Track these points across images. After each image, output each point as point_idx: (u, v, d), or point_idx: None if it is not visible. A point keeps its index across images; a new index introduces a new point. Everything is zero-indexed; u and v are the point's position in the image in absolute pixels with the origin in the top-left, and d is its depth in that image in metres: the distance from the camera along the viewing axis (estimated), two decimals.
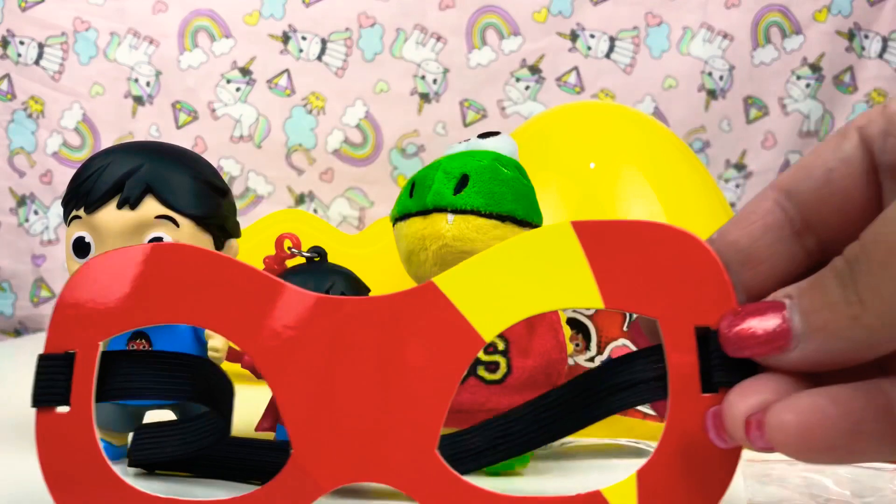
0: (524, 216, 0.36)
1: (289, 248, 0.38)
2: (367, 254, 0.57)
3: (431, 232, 0.36)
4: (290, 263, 0.38)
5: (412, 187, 0.37)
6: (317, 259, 0.38)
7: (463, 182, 0.35)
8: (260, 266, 0.39)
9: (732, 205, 0.91)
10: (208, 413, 0.30)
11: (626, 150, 0.51)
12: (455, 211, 0.35)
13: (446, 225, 0.35)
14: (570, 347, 0.40)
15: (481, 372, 0.36)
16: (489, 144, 0.38)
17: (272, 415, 0.39)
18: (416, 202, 0.36)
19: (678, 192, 0.49)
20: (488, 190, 0.35)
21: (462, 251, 0.35)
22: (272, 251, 0.38)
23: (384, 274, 0.57)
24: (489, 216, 0.35)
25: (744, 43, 0.91)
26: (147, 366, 0.27)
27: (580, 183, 0.48)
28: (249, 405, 0.41)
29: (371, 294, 0.39)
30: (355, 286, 0.37)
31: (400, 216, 0.37)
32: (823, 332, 0.19)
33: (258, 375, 0.37)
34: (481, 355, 0.36)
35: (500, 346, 0.36)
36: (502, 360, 0.36)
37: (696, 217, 0.49)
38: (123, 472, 0.38)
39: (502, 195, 0.36)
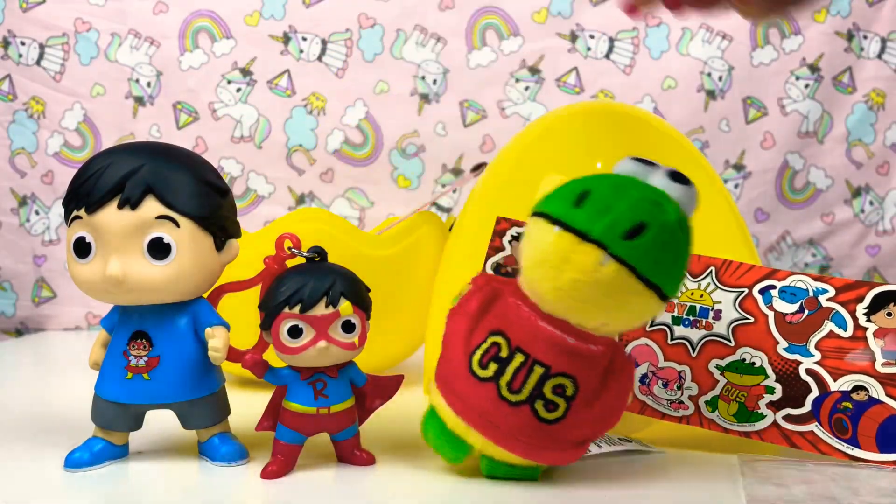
0: (667, 289, 0.34)
1: (289, 249, 0.38)
2: (386, 256, 0.57)
3: (579, 261, 0.32)
4: (290, 263, 0.39)
5: (582, 197, 0.33)
6: (317, 259, 0.38)
7: (638, 230, 0.32)
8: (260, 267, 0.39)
9: None
10: None
11: (631, 150, 0.50)
12: (615, 257, 0.32)
13: (598, 265, 0.32)
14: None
15: (538, 406, 0.34)
16: (676, 191, 0.34)
17: (272, 414, 0.39)
18: (582, 219, 0.33)
19: None
20: (657, 254, 0.32)
21: (590, 294, 0.33)
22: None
23: (398, 276, 0.57)
24: (639, 278, 0.32)
25: (743, 43, 0.91)
26: None
27: None
28: (249, 405, 0.41)
29: (371, 295, 0.39)
30: (355, 286, 0.38)
31: (555, 219, 0.33)
32: None
33: (258, 374, 0.38)
34: (547, 391, 0.34)
35: (570, 390, 0.34)
36: (563, 405, 0.34)
37: (701, 213, 0.49)
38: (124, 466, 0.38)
39: (664, 264, 0.33)
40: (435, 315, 0.53)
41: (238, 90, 0.92)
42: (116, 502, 0.35)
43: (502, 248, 0.44)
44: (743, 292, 0.42)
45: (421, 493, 0.36)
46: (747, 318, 0.42)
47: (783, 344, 0.41)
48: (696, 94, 0.91)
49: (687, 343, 0.43)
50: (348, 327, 0.37)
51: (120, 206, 0.36)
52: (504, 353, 0.35)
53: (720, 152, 0.92)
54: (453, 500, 0.35)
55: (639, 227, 0.32)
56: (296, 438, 0.38)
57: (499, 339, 0.35)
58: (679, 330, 0.43)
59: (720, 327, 0.42)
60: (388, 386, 0.40)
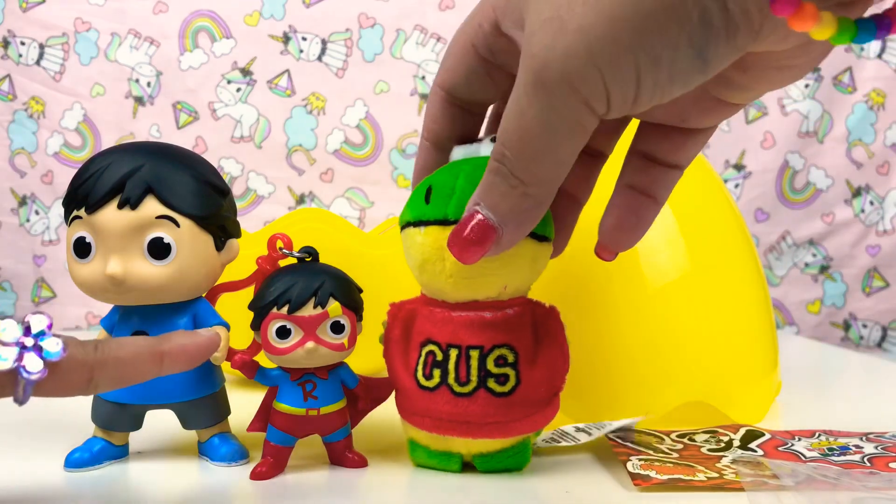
0: (541, 231, 0.34)
1: (280, 249, 0.38)
2: (386, 255, 0.57)
3: None
4: (282, 263, 0.38)
5: (428, 193, 0.35)
6: (308, 259, 0.38)
7: None
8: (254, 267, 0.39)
9: None
10: None
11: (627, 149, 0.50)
12: None
13: None
14: None
15: (491, 384, 0.35)
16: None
17: (264, 416, 0.39)
18: (434, 210, 0.34)
19: (682, 188, 0.49)
20: None
21: (475, 266, 0.33)
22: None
23: (398, 276, 0.57)
24: None
25: None
26: None
27: None
28: (250, 405, 0.41)
29: (371, 295, 0.39)
30: (346, 286, 0.37)
31: (415, 222, 0.35)
32: (512, 213, 0.28)
33: (248, 375, 0.38)
34: (492, 367, 0.35)
35: (510, 357, 0.35)
36: (511, 373, 0.35)
37: (701, 212, 0.49)
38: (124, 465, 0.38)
39: None
40: None
41: (238, 90, 0.92)
42: (116, 502, 0.35)
43: None
44: None
45: (413, 495, 0.36)
46: None
47: None
48: None
49: None
50: (337, 328, 0.36)
51: (120, 206, 0.36)
52: (440, 357, 0.36)
53: (720, 152, 0.92)
54: (446, 503, 0.35)
55: None
56: (285, 440, 0.38)
57: (430, 346, 0.36)
58: None
59: None
60: (381, 388, 0.39)
